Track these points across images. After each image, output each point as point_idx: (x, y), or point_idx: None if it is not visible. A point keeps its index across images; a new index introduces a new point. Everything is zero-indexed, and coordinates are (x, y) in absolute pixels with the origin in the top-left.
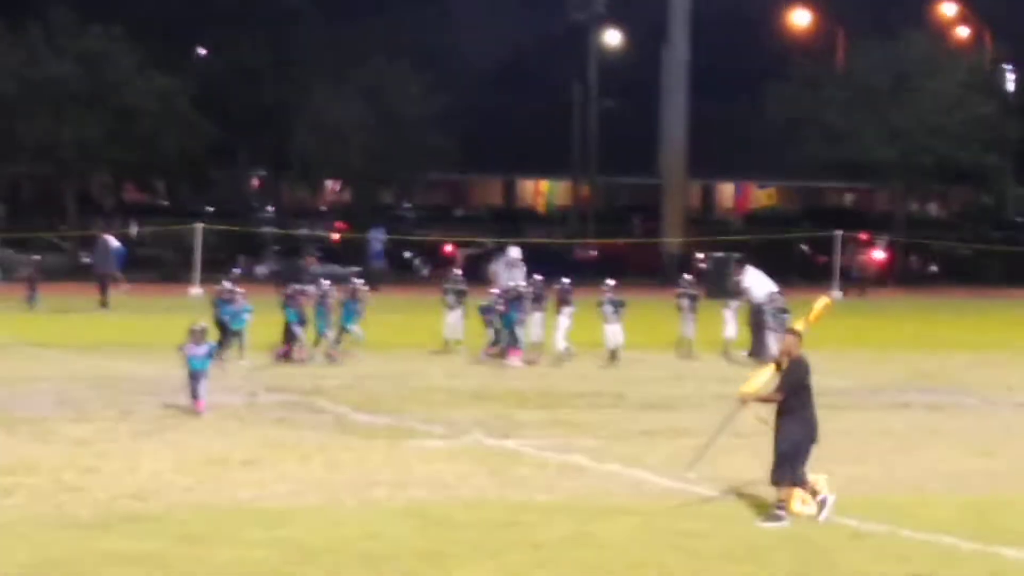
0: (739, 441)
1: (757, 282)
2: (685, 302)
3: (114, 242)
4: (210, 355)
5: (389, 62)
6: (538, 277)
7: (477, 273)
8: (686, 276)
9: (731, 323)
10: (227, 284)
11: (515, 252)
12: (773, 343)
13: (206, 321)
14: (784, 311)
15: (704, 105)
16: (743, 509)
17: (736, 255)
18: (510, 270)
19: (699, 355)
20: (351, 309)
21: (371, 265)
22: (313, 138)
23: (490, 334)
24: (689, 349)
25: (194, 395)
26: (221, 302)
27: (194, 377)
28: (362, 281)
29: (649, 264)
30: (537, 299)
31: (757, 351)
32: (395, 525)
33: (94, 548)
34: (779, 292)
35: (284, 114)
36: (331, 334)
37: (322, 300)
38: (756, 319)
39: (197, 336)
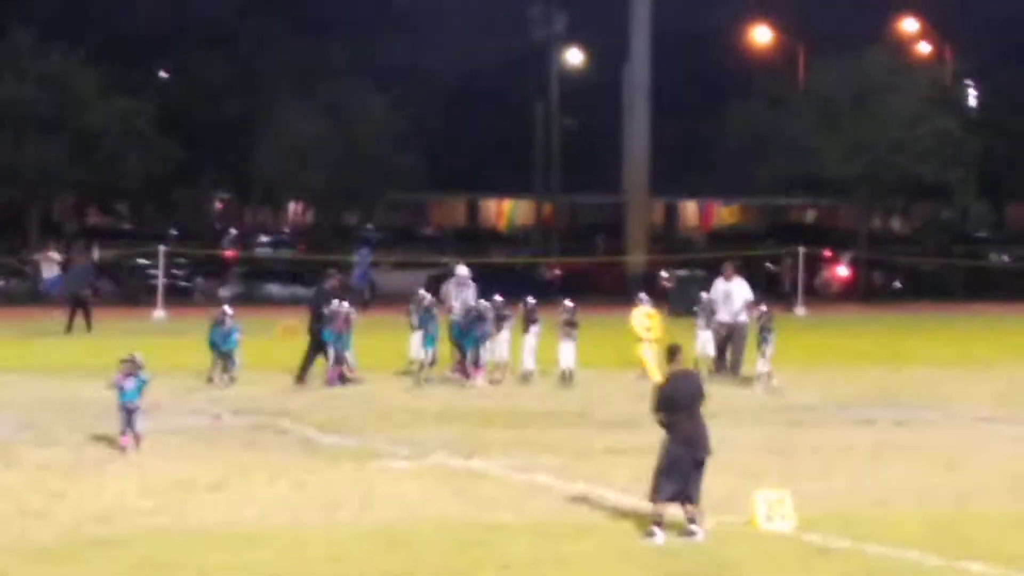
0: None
1: (739, 293)
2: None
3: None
4: (139, 389)
5: (351, 81)
6: (499, 297)
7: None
8: (641, 295)
9: (709, 341)
10: (225, 307)
11: (463, 271)
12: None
13: (138, 351)
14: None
15: (666, 123)
16: (709, 527)
17: (700, 272)
18: (460, 289)
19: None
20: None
21: (357, 286)
22: (276, 158)
23: (456, 354)
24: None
25: (121, 428)
26: (214, 324)
27: (122, 410)
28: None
29: (613, 282)
30: (500, 318)
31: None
32: (361, 546)
33: (59, 574)
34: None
35: (247, 134)
36: (350, 356)
37: (345, 321)
38: (739, 334)
39: (127, 367)
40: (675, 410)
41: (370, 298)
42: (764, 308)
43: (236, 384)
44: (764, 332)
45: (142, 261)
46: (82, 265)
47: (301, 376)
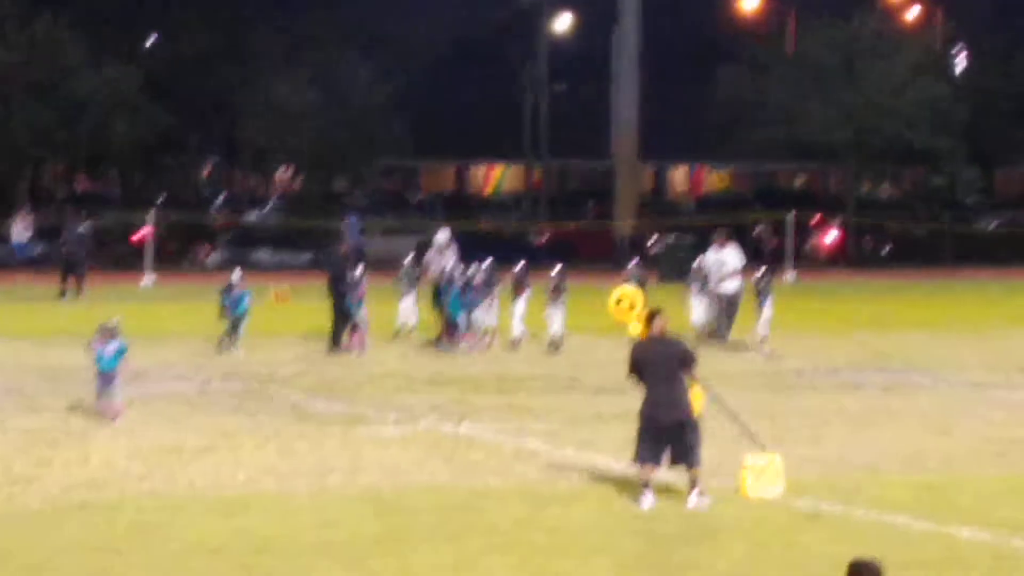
0: None
1: (732, 261)
2: (695, 287)
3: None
4: (120, 354)
5: (339, 47)
6: (487, 261)
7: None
8: (631, 263)
9: (699, 308)
10: (236, 274)
11: (443, 236)
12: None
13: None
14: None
15: (656, 88)
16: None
17: (689, 238)
18: (441, 255)
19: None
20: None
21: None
22: (263, 124)
23: (440, 321)
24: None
25: (98, 395)
26: (224, 290)
27: (100, 378)
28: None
29: (601, 248)
30: (488, 283)
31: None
32: (350, 511)
33: (47, 538)
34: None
35: (235, 101)
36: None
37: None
38: (732, 301)
39: (106, 333)
40: (643, 375)
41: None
42: (762, 272)
43: (236, 350)
44: (763, 296)
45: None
46: (76, 231)
47: (335, 343)
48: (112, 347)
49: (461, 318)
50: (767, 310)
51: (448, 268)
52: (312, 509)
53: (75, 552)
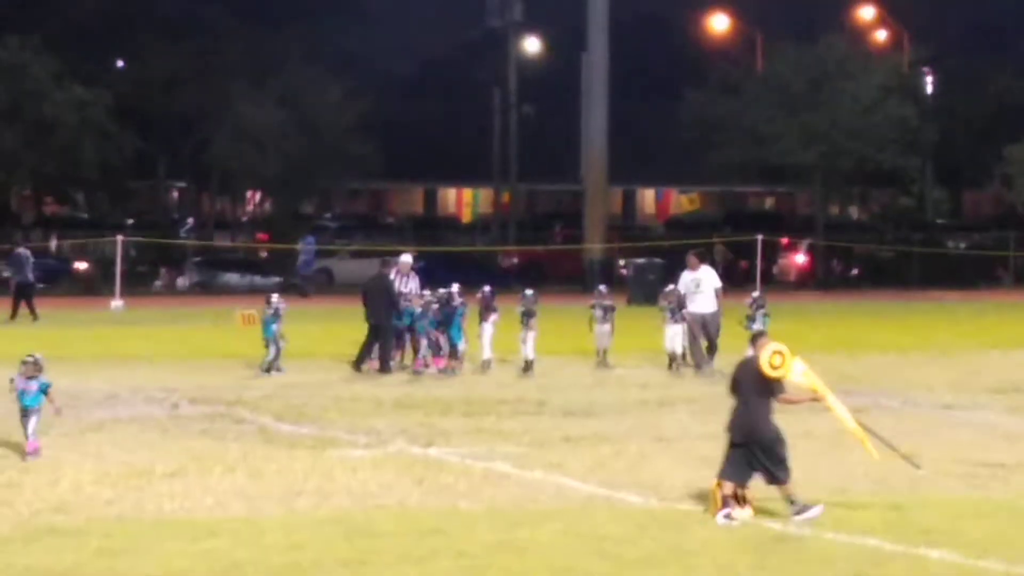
0: (660, 445)
1: (708, 282)
2: (599, 313)
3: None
4: (43, 391)
5: (307, 70)
6: (455, 286)
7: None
8: (600, 287)
9: (673, 334)
10: (273, 298)
11: (407, 258)
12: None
13: (38, 352)
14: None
15: (624, 111)
16: (666, 515)
17: (658, 260)
18: (404, 278)
19: (615, 364)
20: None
21: (301, 273)
22: (232, 147)
23: (422, 344)
24: (603, 360)
25: (25, 434)
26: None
27: (23, 414)
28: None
29: (570, 271)
30: (454, 307)
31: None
32: (319, 535)
33: (16, 563)
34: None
35: (203, 124)
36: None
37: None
38: (713, 322)
39: (29, 369)
40: (733, 394)
41: (310, 290)
42: (756, 294)
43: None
44: (760, 313)
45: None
46: (18, 253)
47: (383, 366)
48: (34, 385)
49: (426, 341)
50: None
51: (409, 291)
52: (281, 532)
53: None
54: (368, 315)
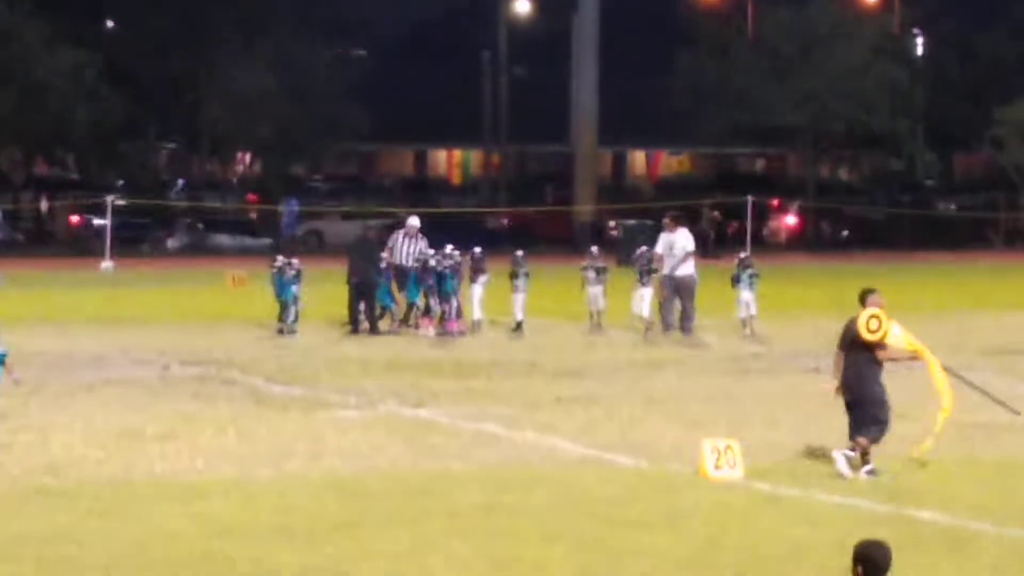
0: (651, 407)
1: (681, 244)
2: (591, 275)
3: None
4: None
5: (298, 32)
6: (450, 247)
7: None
8: (592, 248)
9: (645, 299)
10: (279, 256)
11: (414, 221)
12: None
13: None
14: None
15: (615, 73)
16: (657, 476)
17: (649, 222)
18: (410, 241)
19: (607, 327)
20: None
21: (284, 235)
22: (223, 109)
23: (432, 305)
24: (598, 323)
25: None
26: (275, 273)
27: None
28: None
29: (560, 232)
30: (452, 269)
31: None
32: (310, 496)
33: (7, 526)
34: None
35: (194, 86)
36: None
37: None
38: (686, 286)
39: None
40: (841, 350)
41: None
42: (745, 254)
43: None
44: (749, 277)
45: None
46: None
47: (372, 328)
48: None
49: (423, 302)
50: (751, 292)
51: (417, 252)
52: (271, 494)
53: (34, 539)
54: (351, 274)
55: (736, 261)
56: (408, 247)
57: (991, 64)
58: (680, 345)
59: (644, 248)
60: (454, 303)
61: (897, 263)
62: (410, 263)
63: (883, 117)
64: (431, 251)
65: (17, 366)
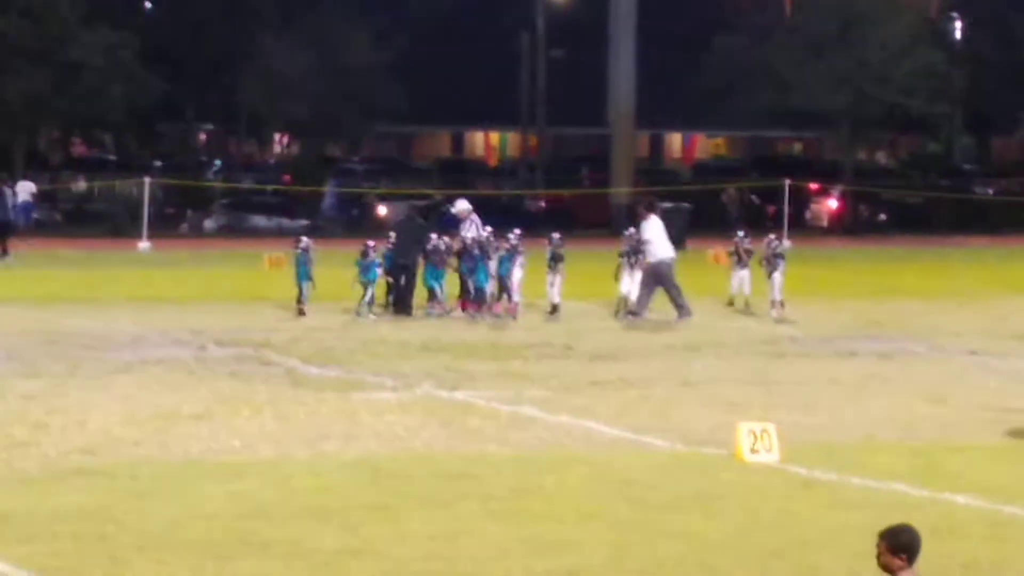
0: (687, 390)
1: (658, 236)
2: (625, 259)
3: (21, 195)
4: None
5: (336, 11)
6: (488, 230)
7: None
8: (631, 230)
9: (627, 278)
10: (304, 240)
11: (464, 205)
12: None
13: None
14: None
15: (652, 55)
16: (692, 459)
17: (685, 205)
18: (464, 224)
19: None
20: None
21: (325, 216)
22: (260, 90)
23: (469, 286)
24: (626, 305)
25: None
26: (360, 257)
27: None
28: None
29: (597, 215)
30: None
31: (640, 307)
32: (346, 477)
33: (44, 503)
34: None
35: (232, 66)
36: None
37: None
38: (653, 276)
39: None
40: None
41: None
42: (773, 236)
43: (369, 316)
44: (776, 260)
45: None
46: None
47: (403, 309)
48: None
49: (490, 285)
50: (778, 275)
51: (477, 237)
52: (307, 475)
53: (71, 518)
54: (396, 256)
55: (765, 244)
56: (465, 230)
57: None
58: (718, 327)
59: (632, 230)
60: (510, 285)
61: (934, 247)
62: (473, 247)
63: (921, 101)
64: (484, 232)
65: (58, 344)
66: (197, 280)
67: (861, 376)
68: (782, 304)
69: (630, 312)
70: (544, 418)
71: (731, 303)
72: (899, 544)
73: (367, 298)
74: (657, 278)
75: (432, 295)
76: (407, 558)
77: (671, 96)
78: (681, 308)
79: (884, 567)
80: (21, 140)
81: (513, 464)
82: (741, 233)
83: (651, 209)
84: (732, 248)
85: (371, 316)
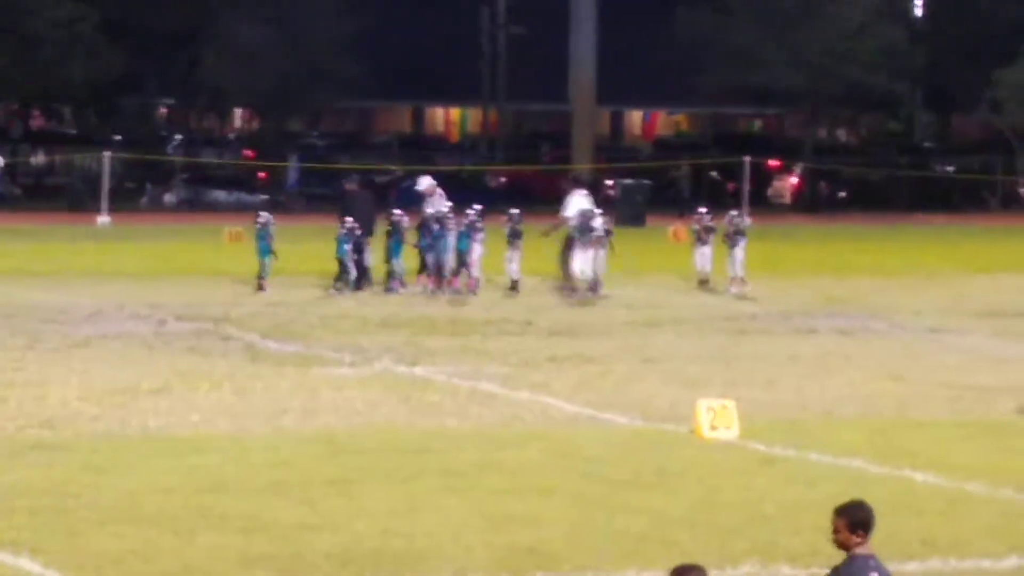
0: (646, 366)
1: (574, 205)
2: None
3: None
4: None
5: None
6: (448, 205)
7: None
8: (513, 211)
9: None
10: (263, 215)
11: (427, 182)
12: (579, 262)
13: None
14: (591, 230)
15: (613, 31)
16: (652, 435)
17: (646, 182)
18: (429, 199)
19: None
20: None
21: (288, 191)
22: (221, 65)
23: (428, 262)
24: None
25: None
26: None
27: None
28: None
29: (558, 191)
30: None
31: (565, 275)
32: (305, 452)
33: (2, 478)
34: (595, 214)
35: (192, 41)
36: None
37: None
38: (567, 242)
39: None
40: None
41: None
42: (735, 213)
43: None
44: (735, 236)
45: None
46: None
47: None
48: None
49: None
50: (739, 251)
51: (438, 212)
52: (266, 449)
53: (30, 492)
54: (356, 231)
55: (727, 220)
56: (427, 205)
57: (990, 26)
58: (677, 305)
59: (586, 207)
60: (470, 261)
61: (894, 224)
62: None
63: (882, 78)
64: (446, 208)
65: (16, 318)
66: (156, 255)
67: (821, 353)
68: (743, 280)
69: (568, 287)
70: (504, 394)
71: (706, 281)
72: (857, 520)
73: (350, 275)
74: (568, 243)
75: (392, 272)
76: (366, 533)
77: (632, 72)
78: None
79: (841, 544)
80: None
81: (472, 439)
82: (703, 210)
83: (577, 183)
84: (694, 225)
85: (341, 293)
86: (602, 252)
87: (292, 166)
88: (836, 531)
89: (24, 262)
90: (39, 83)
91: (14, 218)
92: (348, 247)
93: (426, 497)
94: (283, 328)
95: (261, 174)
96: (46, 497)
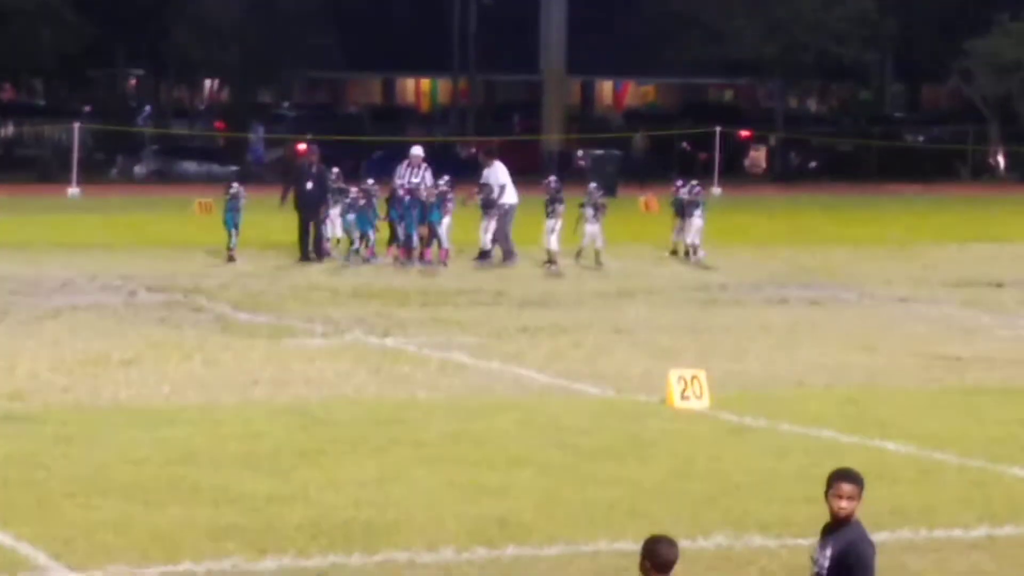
0: (618, 337)
1: (495, 177)
2: (589, 212)
3: None
4: None
5: None
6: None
7: (358, 172)
8: (592, 184)
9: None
10: (234, 185)
11: (417, 151)
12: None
13: None
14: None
15: (583, 1)
16: (623, 406)
17: (616, 152)
18: (414, 170)
19: (604, 263)
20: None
21: (254, 162)
22: (191, 35)
23: (399, 233)
24: (598, 259)
25: None
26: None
27: None
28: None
29: (529, 162)
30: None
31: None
32: (276, 424)
33: None
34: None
35: (162, 11)
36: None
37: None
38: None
39: None
40: None
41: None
42: (695, 183)
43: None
44: (692, 207)
45: None
46: None
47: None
48: None
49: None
50: (697, 221)
51: (420, 183)
52: (237, 421)
53: None
54: (311, 202)
55: (687, 188)
56: (410, 176)
57: None
58: (648, 275)
59: (552, 178)
60: (440, 232)
61: (865, 194)
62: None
63: (852, 48)
64: (430, 182)
65: None
66: (127, 226)
67: (791, 323)
68: (696, 249)
69: (481, 256)
70: (475, 364)
71: (687, 253)
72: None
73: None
74: (504, 218)
75: (361, 239)
76: (337, 504)
77: (603, 43)
78: (508, 254)
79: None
80: None
81: (444, 410)
82: (679, 182)
83: (491, 155)
84: (672, 198)
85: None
86: (597, 226)
87: (255, 137)
88: (850, 498)
89: None
90: (8, 54)
91: None
92: (351, 217)
93: (397, 468)
94: (254, 299)
95: (223, 144)
96: (16, 469)
